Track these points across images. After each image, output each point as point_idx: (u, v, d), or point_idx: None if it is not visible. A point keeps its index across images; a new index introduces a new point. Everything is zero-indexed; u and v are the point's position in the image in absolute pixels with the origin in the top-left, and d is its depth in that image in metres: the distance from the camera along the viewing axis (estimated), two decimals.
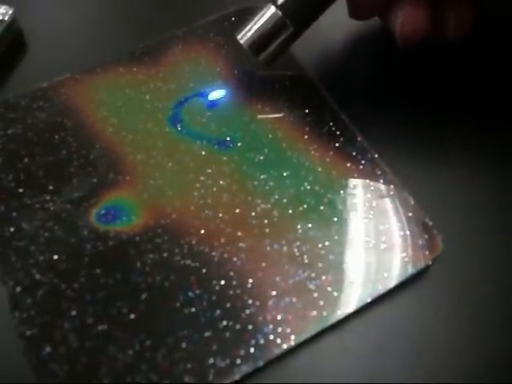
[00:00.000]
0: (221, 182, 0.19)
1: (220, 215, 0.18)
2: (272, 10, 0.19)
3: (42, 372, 0.16)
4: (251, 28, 0.20)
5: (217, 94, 0.21)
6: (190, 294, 0.17)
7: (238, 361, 0.16)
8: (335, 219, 0.18)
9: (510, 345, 0.17)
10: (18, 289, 0.17)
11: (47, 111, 0.20)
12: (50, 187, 0.19)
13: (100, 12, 0.24)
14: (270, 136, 0.20)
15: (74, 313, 0.16)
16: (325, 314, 0.17)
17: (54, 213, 0.18)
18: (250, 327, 0.16)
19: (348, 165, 0.20)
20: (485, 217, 0.20)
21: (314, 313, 0.17)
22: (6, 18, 0.22)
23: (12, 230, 0.18)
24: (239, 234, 0.18)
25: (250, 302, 0.17)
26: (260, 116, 0.21)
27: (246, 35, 0.20)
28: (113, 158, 0.19)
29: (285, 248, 0.18)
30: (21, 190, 0.19)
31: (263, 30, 0.20)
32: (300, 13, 0.20)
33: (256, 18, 0.20)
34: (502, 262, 0.19)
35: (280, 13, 0.19)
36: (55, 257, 0.17)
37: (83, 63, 0.22)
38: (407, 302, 0.18)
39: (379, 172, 0.19)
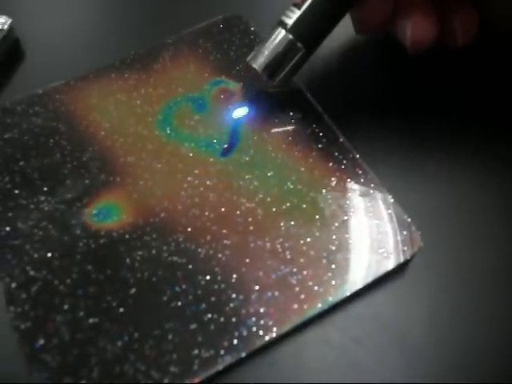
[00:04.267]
0: (207, 183, 0.20)
1: (206, 214, 0.19)
2: (282, 33, 0.20)
3: (35, 363, 0.16)
4: (263, 53, 0.20)
5: (204, 99, 0.22)
6: (177, 288, 0.18)
7: (222, 352, 0.17)
8: (317, 217, 0.19)
9: (489, 337, 0.18)
10: (14, 285, 0.18)
11: (42, 116, 0.21)
12: (45, 188, 0.20)
13: (93, 22, 0.25)
14: (255, 138, 0.21)
15: (66, 307, 0.17)
16: (306, 307, 0.17)
17: (48, 213, 0.19)
18: (234, 320, 0.17)
19: (330, 164, 0.20)
20: (463, 214, 0.20)
21: (296, 306, 0.17)
22: (5, 28, 0.23)
23: (8, 229, 0.19)
24: (224, 231, 0.19)
25: (234, 296, 0.18)
26: (245, 119, 0.21)
27: (259, 60, 0.20)
28: (104, 160, 0.20)
29: (268, 244, 0.19)
30: (16, 192, 0.19)
31: (275, 54, 0.20)
32: (310, 34, 0.20)
33: (267, 43, 0.20)
34: (480, 256, 0.19)
35: (290, 36, 0.20)
36: (49, 254, 0.18)
37: (77, 70, 0.22)
38: (386, 296, 0.18)
39: (360, 171, 0.20)
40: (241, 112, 0.22)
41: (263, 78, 0.20)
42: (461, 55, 0.23)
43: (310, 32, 0.20)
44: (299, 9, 0.20)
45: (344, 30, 0.22)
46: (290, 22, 0.20)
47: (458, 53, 0.23)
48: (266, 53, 0.20)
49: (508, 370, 0.17)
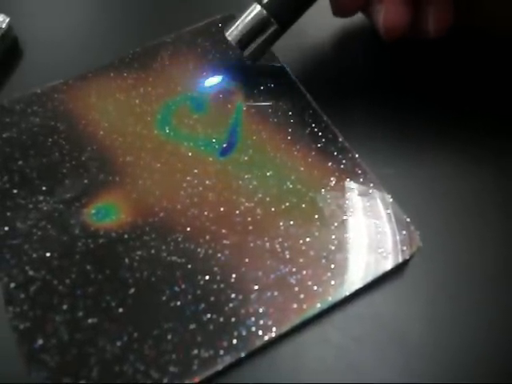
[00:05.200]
0: (206, 182, 0.20)
1: (205, 213, 0.19)
2: (257, 8, 0.21)
3: (34, 363, 0.16)
4: (238, 26, 0.21)
5: (203, 98, 0.22)
6: (176, 288, 0.18)
7: (221, 352, 0.17)
8: (316, 216, 0.19)
9: (488, 337, 0.18)
10: (12, 285, 0.18)
11: (41, 115, 0.21)
12: (43, 188, 0.20)
13: (92, 21, 0.25)
14: (255, 137, 0.21)
15: (65, 307, 0.17)
16: (305, 307, 0.17)
17: (47, 212, 0.19)
18: (233, 320, 0.17)
19: (329, 164, 0.20)
20: (462, 213, 0.20)
21: (295, 306, 0.17)
22: (3, 27, 0.23)
23: (6, 229, 0.19)
24: (223, 231, 0.19)
25: (233, 295, 0.18)
26: (245, 118, 0.21)
27: (233, 32, 0.21)
28: (103, 160, 0.20)
29: (267, 244, 0.19)
30: (15, 191, 0.19)
31: (249, 28, 0.21)
32: (284, 11, 0.21)
33: (243, 17, 0.21)
34: (478, 256, 0.19)
35: (265, 11, 0.21)
36: (48, 254, 0.18)
37: (76, 69, 0.22)
38: (385, 296, 0.18)
39: (359, 171, 0.20)
40: (239, 111, 0.22)
41: (237, 49, 0.21)
42: (460, 49, 0.23)
43: (284, 9, 0.21)
44: None
45: (347, 29, 0.22)
46: None
47: (456, 47, 0.23)
48: (240, 26, 0.21)
49: (507, 368, 0.17)
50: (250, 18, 0.21)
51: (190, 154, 0.20)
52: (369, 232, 0.19)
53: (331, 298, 0.18)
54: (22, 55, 0.24)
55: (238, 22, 0.21)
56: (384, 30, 0.21)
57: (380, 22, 0.21)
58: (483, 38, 0.23)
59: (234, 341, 0.17)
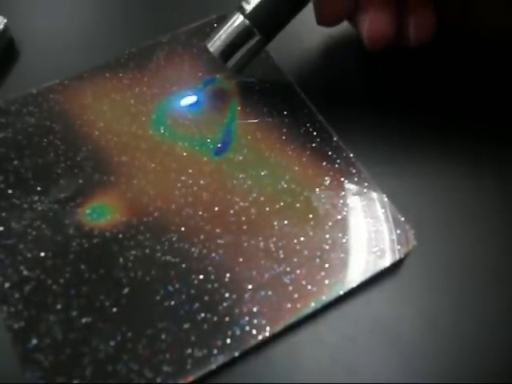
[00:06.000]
0: (201, 182, 0.20)
1: (200, 213, 0.19)
2: (240, 18, 0.20)
3: (27, 362, 0.16)
4: (220, 36, 0.20)
5: (198, 98, 0.22)
6: (170, 288, 0.18)
7: (215, 351, 0.17)
8: (310, 216, 0.19)
9: (483, 336, 0.18)
10: (7, 284, 0.18)
11: (36, 116, 0.21)
12: (38, 188, 0.20)
13: (87, 21, 0.25)
14: (249, 137, 0.21)
15: (59, 307, 0.17)
16: (299, 306, 0.17)
17: (42, 212, 0.19)
18: (227, 319, 0.17)
19: (324, 164, 0.20)
20: (457, 213, 0.20)
21: (289, 305, 0.17)
22: (0, 27, 0.23)
23: (1, 229, 0.19)
24: (218, 230, 0.19)
25: (227, 295, 0.18)
26: (240, 118, 0.21)
27: (215, 43, 0.21)
28: (98, 160, 0.20)
29: (261, 244, 0.19)
30: (10, 191, 0.19)
31: (231, 39, 0.20)
32: (267, 22, 0.20)
33: (225, 27, 0.20)
34: (473, 255, 0.19)
35: (247, 22, 0.20)
36: (42, 254, 0.18)
37: (71, 70, 0.22)
38: (380, 295, 0.18)
39: (354, 170, 0.20)
40: (234, 111, 0.22)
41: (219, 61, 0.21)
42: (457, 53, 0.23)
43: (268, 20, 0.20)
44: None
45: (342, 30, 0.22)
46: (248, 7, 0.20)
47: (455, 50, 0.23)
48: (223, 37, 0.20)
49: (503, 369, 0.17)
50: (232, 28, 0.20)
51: (184, 154, 0.20)
52: (363, 231, 0.19)
53: (325, 298, 0.18)
54: (18, 56, 0.24)
55: (220, 32, 0.20)
56: (368, 41, 0.21)
57: (364, 32, 0.21)
58: (479, 43, 0.23)
59: (228, 340, 0.17)
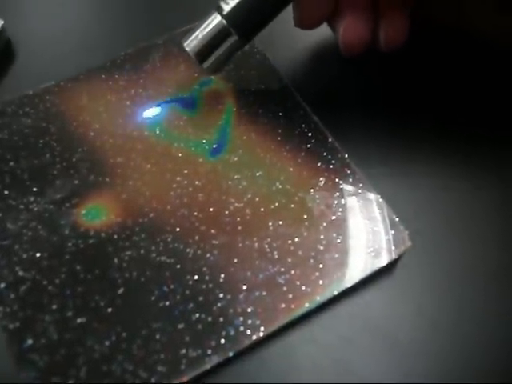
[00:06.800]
0: (196, 183, 0.20)
1: (195, 214, 0.19)
2: (217, 18, 0.20)
3: (23, 363, 0.16)
4: (197, 36, 0.20)
5: (194, 99, 0.22)
6: (165, 288, 0.18)
7: (210, 351, 0.17)
8: (305, 216, 0.19)
9: (477, 336, 0.18)
10: (2, 285, 0.18)
11: (32, 117, 0.21)
12: (34, 189, 0.20)
13: (84, 23, 0.25)
14: (245, 138, 0.21)
15: (54, 307, 0.17)
16: (293, 306, 0.17)
17: (38, 213, 0.19)
18: (221, 319, 0.17)
19: (318, 164, 0.20)
20: (451, 213, 0.20)
21: (283, 306, 0.17)
22: None
23: None
24: (213, 231, 0.19)
25: (222, 295, 0.18)
26: (235, 119, 0.22)
27: (191, 43, 0.20)
28: (94, 161, 0.20)
29: (256, 244, 0.19)
30: (6, 192, 0.20)
31: (208, 39, 0.20)
32: (245, 23, 0.20)
33: (202, 27, 0.20)
34: (467, 255, 0.19)
35: (225, 22, 0.20)
36: (38, 255, 0.18)
37: (68, 71, 0.22)
38: (374, 295, 0.19)
39: (349, 171, 0.20)
40: (229, 112, 0.22)
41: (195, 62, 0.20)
42: (451, 54, 0.23)
43: (246, 21, 0.20)
44: None
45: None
46: (226, 8, 0.20)
47: (448, 51, 0.23)
48: (200, 37, 0.20)
49: (497, 368, 0.18)
50: (209, 28, 0.20)
51: (180, 155, 0.21)
52: (358, 232, 0.19)
53: (319, 298, 0.18)
54: (15, 57, 0.24)
55: (196, 32, 0.20)
56: (343, 47, 0.21)
57: (339, 37, 0.21)
58: (471, 44, 0.23)
59: (222, 340, 0.17)
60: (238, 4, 0.20)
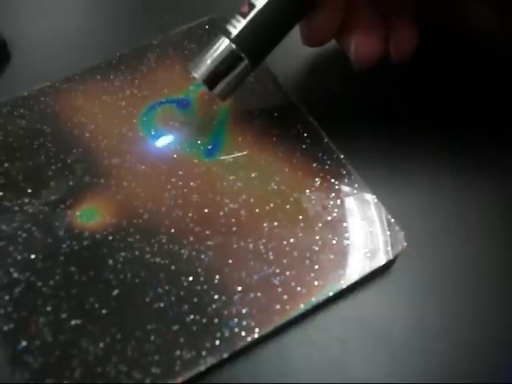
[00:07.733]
0: (191, 184, 0.20)
1: (190, 215, 0.19)
2: (226, 42, 0.19)
3: (17, 364, 0.16)
4: (205, 61, 0.19)
5: (189, 100, 0.22)
6: (159, 289, 0.18)
7: (204, 353, 0.17)
8: (300, 217, 0.19)
9: (472, 337, 0.18)
10: None
11: (27, 118, 0.21)
12: (29, 190, 0.20)
13: (79, 24, 0.25)
14: (240, 138, 0.21)
15: (49, 308, 0.17)
16: (288, 308, 0.17)
17: (32, 215, 0.19)
18: (216, 321, 0.17)
19: (314, 165, 0.20)
20: (446, 214, 0.20)
21: (278, 307, 0.17)
22: None
23: None
24: (207, 232, 0.19)
25: (217, 297, 0.18)
26: (230, 120, 0.21)
27: (200, 69, 0.19)
28: (89, 162, 0.20)
29: (251, 245, 0.19)
30: (1, 194, 0.19)
31: (217, 64, 0.19)
32: (254, 45, 0.19)
33: (210, 51, 0.19)
34: (463, 256, 0.19)
35: (234, 46, 0.19)
36: (32, 256, 0.18)
37: (63, 72, 0.22)
38: (369, 296, 0.19)
39: (344, 172, 0.20)
40: (224, 113, 0.22)
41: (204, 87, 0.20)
42: (449, 59, 0.23)
43: (255, 43, 0.19)
44: (244, 18, 0.19)
45: None
46: (234, 31, 0.19)
47: (446, 57, 0.23)
48: (208, 62, 0.19)
49: (492, 368, 0.18)
50: (218, 52, 0.19)
51: (175, 156, 0.21)
52: (353, 232, 0.19)
53: (315, 299, 0.18)
54: (10, 58, 0.24)
55: (205, 57, 0.19)
56: (355, 61, 0.21)
57: (351, 54, 0.21)
58: (469, 50, 0.23)
59: (217, 342, 0.17)
60: (246, 26, 0.19)
